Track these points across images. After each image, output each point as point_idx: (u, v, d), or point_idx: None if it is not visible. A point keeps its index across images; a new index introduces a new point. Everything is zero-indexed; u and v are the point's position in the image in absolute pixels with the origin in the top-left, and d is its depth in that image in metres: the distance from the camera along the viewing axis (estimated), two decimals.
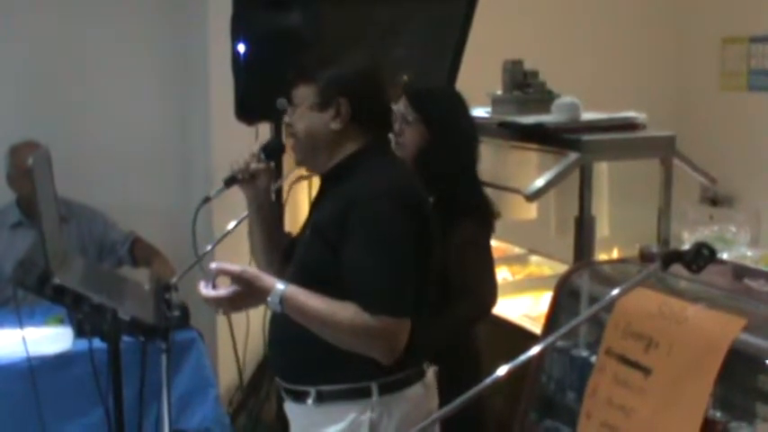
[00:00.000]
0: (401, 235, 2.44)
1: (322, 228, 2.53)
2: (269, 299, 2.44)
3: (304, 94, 2.57)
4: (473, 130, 3.39)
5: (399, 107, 3.28)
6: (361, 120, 2.56)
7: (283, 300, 2.43)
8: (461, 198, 3.24)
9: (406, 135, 3.24)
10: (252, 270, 2.51)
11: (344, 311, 2.42)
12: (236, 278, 2.45)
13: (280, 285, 2.45)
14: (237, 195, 4.46)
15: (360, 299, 2.41)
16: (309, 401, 2.57)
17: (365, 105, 2.56)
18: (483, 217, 3.31)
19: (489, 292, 3.28)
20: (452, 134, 3.26)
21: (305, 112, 2.57)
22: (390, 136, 3.24)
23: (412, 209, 2.48)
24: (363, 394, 2.51)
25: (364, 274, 2.42)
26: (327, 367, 2.49)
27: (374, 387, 2.50)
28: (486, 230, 3.33)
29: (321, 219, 2.56)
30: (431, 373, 2.69)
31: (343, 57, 2.60)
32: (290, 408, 2.68)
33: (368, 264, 2.42)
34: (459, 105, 3.38)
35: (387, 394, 2.52)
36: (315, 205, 2.70)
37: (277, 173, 4.34)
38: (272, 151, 2.87)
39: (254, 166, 2.80)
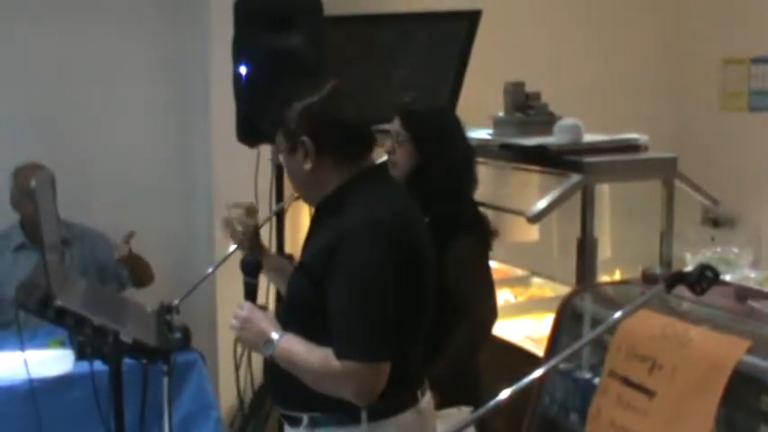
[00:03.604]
0: (380, 277, 2.40)
1: (307, 264, 2.53)
2: (262, 344, 2.52)
3: (278, 139, 2.56)
4: (467, 150, 3.39)
5: (394, 126, 3.30)
6: (332, 153, 2.51)
7: (274, 348, 2.50)
8: (457, 217, 3.25)
9: (397, 154, 3.27)
10: (247, 312, 2.59)
11: (314, 357, 2.44)
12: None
13: (273, 335, 2.50)
14: None
15: (333, 343, 2.41)
16: (303, 427, 2.58)
17: (329, 139, 2.50)
18: (480, 235, 3.31)
19: (488, 310, 3.29)
20: (443, 155, 3.27)
21: (283, 157, 2.57)
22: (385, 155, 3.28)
23: (398, 244, 2.44)
24: (353, 420, 2.50)
25: (338, 318, 2.42)
26: (318, 393, 2.48)
27: (363, 414, 2.49)
28: (484, 248, 3.33)
29: (308, 254, 2.57)
30: (426, 398, 2.67)
31: (303, 92, 2.53)
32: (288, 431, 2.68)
33: (341, 308, 2.41)
34: (452, 126, 3.39)
35: (376, 420, 2.50)
36: (308, 238, 2.68)
37: (278, 195, 4.37)
38: (251, 268, 2.80)
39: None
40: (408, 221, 2.55)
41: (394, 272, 2.42)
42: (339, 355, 2.39)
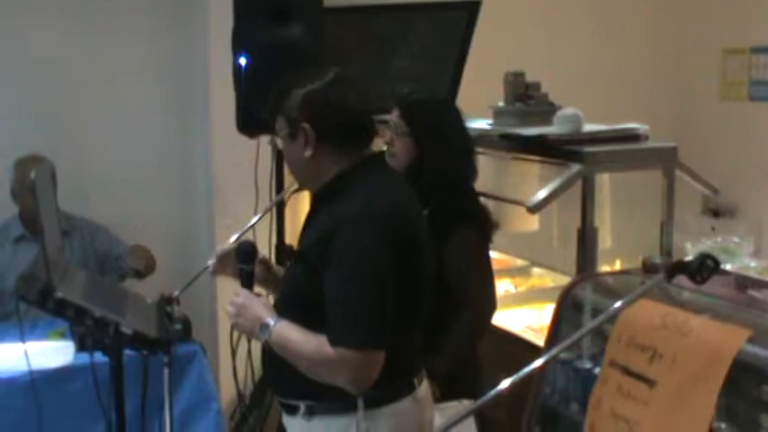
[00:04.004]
0: (377, 265, 2.41)
1: (305, 252, 2.55)
2: (258, 330, 2.54)
3: (278, 125, 2.56)
4: (467, 143, 3.37)
5: (393, 117, 3.29)
6: (332, 140, 2.52)
7: (271, 333, 2.51)
8: (457, 209, 3.24)
9: (397, 146, 3.25)
10: (242, 298, 2.60)
11: (309, 343, 2.45)
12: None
13: (269, 320, 2.52)
14: (238, 209, 4.49)
15: (328, 330, 2.42)
16: (300, 415, 2.59)
17: (330, 127, 2.51)
18: (480, 226, 3.30)
19: (487, 303, 3.28)
20: (441, 149, 3.24)
21: (283, 144, 2.58)
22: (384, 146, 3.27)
23: (394, 233, 2.45)
24: (350, 408, 2.51)
25: (333, 305, 2.43)
26: (315, 382, 2.49)
27: (360, 401, 2.50)
28: (484, 240, 3.32)
29: (305, 243, 2.58)
30: (423, 386, 2.68)
31: (304, 79, 2.54)
32: (286, 420, 2.70)
33: (337, 295, 2.42)
34: (451, 117, 3.37)
35: (373, 408, 2.52)
36: (305, 226, 2.68)
37: (278, 186, 4.37)
38: (246, 257, 2.77)
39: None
40: (406, 211, 2.56)
41: (390, 260, 2.43)
42: (334, 343, 2.40)
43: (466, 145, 3.37)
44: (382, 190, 2.55)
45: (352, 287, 2.41)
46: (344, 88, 2.55)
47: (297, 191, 3.64)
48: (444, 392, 3.03)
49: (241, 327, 2.62)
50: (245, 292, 2.63)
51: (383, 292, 2.42)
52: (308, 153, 2.51)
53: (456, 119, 3.37)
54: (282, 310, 2.57)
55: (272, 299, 2.94)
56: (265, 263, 2.89)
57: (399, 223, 2.48)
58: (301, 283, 2.54)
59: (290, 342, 2.49)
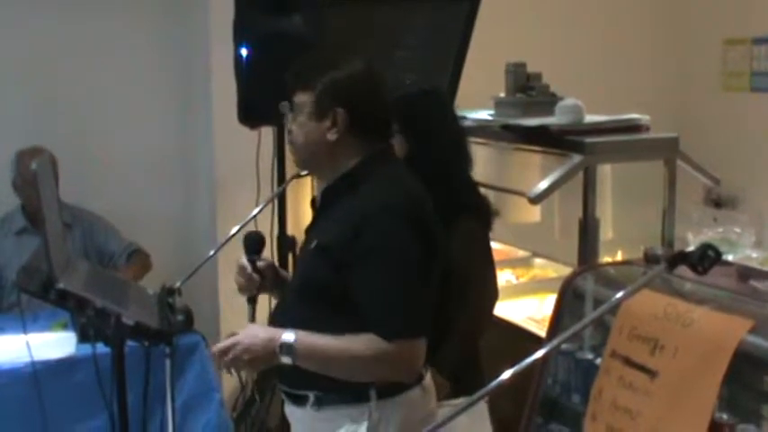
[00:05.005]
0: (410, 253, 2.42)
1: (327, 246, 2.49)
2: (278, 352, 2.46)
3: (301, 100, 2.50)
4: (457, 134, 3.35)
5: None
6: (360, 130, 2.50)
7: (293, 350, 2.44)
8: (455, 202, 3.22)
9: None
10: (246, 337, 2.50)
11: (358, 344, 2.42)
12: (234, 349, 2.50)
13: (287, 336, 2.45)
14: (239, 200, 4.49)
15: (374, 326, 2.40)
16: (309, 405, 2.58)
17: (363, 116, 2.49)
18: (480, 216, 3.29)
19: (489, 293, 3.28)
20: (431, 144, 3.21)
21: (302, 120, 2.51)
22: None
23: (418, 223, 2.46)
24: (362, 399, 2.50)
25: (376, 300, 2.42)
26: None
27: (372, 392, 2.50)
28: (484, 231, 3.32)
29: (325, 236, 2.52)
30: (428, 376, 2.69)
31: (341, 63, 2.51)
32: (291, 411, 2.69)
33: (378, 289, 2.41)
34: (438, 112, 3.31)
35: (385, 398, 2.51)
36: (318, 217, 2.66)
37: (280, 177, 4.36)
38: (254, 247, 2.80)
39: (254, 276, 2.77)
40: (425, 202, 2.57)
41: (422, 249, 2.44)
42: (389, 337, 2.38)
43: (456, 137, 3.33)
44: (401, 182, 2.56)
45: (393, 280, 2.41)
46: (380, 78, 2.54)
47: (295, 177, 3.59)
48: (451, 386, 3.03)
49: (256, 362, 2.53)
50: (233, 338, 2.53)
51: (421, 279, 2.44)
52: (331, 137, 2.48)
53: (444, 111, 3.33)
54: (295, 302, 2.56)
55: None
56: (272, 267, 2.87)
57: (422, 215, 2.50)
58: (322, 276, 2.50)
59: (317, 350, 2.45)
